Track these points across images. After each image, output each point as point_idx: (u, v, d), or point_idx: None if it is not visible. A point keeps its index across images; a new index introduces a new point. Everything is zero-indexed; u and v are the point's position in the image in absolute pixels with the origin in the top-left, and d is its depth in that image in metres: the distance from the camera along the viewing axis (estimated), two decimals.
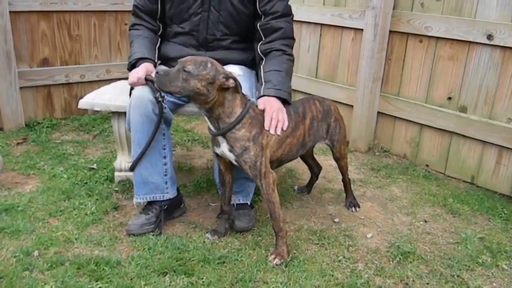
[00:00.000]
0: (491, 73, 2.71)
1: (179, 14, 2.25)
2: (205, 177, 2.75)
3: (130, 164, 2.26)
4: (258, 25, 2.21)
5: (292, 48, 2.25)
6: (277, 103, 2.05)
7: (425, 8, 2.97)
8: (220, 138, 1.98)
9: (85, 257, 1.93)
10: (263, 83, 2.12)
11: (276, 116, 1.99)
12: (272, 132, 1.98)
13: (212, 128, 1.98)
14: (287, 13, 2.23)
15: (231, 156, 1.99)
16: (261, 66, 2.19)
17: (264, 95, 2.07)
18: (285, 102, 2.10)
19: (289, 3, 2.26)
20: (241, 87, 1.92)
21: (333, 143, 2.34)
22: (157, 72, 1.86)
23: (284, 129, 2.02)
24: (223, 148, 1.99)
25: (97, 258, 1.92)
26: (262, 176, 1.96)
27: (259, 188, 2.53)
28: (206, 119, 1.97)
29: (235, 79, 1.87)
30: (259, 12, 2.21)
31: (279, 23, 2.19)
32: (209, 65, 1.83)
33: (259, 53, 2.21)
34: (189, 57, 1.87)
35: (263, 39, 2.21)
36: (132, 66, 2.19)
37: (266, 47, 2.19)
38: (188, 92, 1.82)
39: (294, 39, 2.27)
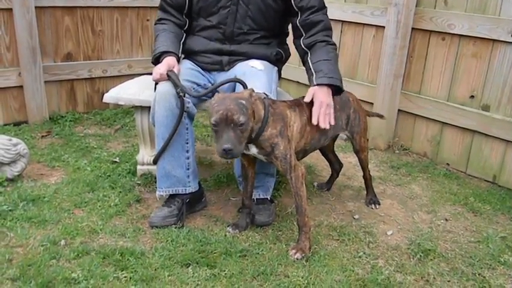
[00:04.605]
0: None
1: (208, 8, 2.27)
2: (225, 172, 2.78)
3: (152, 158, 2.31)
4: (297, 22, 2.23)
5: (332, 37, 2.27)
6: (327, 97, 2.09)
7: (448, 6, 2.94)
8: (249, 144, 1.98)
9: (110, 247, 1.98)
10: (313, 73, 2.14)
11: (323, 111, 2.06)
12: (322, 126, 2.05)
13: None
14: (323, 6, 2.26)
15: (260, 156, 2.02)
16: (308, 59, 2.20)
17: (317, 84, 2.10)
18: (338, 89, 2.15)
19: None
20: (246, 87, 1.97)
21: (352, 135, 2.35)
22: (229, 150, 1.77)
23: (332, 123, 2.08)
24: (253, 151, 2.01)
25: (121, 249, 1.97)
26: (292, 169, 1.98)
27: (278, 183, 2.58)
28: None
29: (251, 89, 1.91)
30: (295, 8, 2.22)
31: (318, 16, 2.21)
32: (243, 102, 1.81)
33: (303, 47, 2.24)
34: (225, 108, 1.77)
35: (304, 34, 2.23)
36: (156, 59, 2.23)
37: (309, 41, 2.22)
38: (248, 134, 1.86)
39: (332, 29, 2.29)
